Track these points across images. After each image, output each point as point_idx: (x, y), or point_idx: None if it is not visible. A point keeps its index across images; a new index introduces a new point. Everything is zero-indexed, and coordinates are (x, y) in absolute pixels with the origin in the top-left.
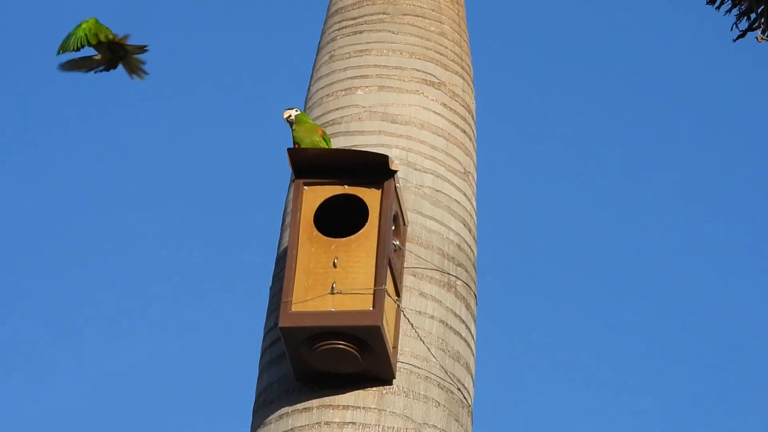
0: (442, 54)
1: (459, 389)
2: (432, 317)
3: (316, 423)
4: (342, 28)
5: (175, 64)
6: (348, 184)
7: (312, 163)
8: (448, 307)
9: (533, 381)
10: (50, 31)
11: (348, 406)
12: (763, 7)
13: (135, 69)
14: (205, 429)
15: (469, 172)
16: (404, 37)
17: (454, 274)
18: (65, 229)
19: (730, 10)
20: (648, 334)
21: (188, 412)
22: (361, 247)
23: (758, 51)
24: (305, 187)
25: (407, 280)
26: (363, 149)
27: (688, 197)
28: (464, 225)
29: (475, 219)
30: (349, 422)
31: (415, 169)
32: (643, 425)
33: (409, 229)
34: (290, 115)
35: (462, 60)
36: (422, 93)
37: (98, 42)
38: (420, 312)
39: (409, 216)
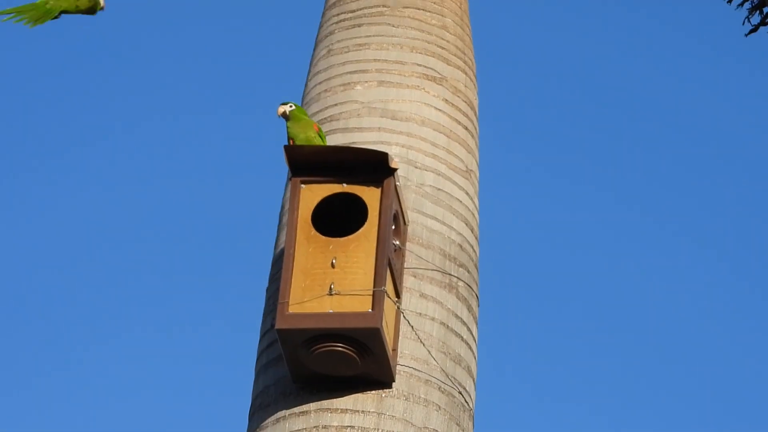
0: (443, 48)
1: (460, 393)
2: (433, 319)
3: (314, 427)
4: (340, 21)
5: (170, 59)
6: (347, 183)
7: (310, 161)
8: (449, 308)
9: (536, 384)
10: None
11: (346, 409)
12: None
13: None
14: None
15: (471, 170)
16: (405, 31)
17: (456, 275)
18: (65, 229)
19: (742, 4)
20: (651, 336)
21: (184, 416)
22: (360, 247)
23: None
24: (303, 185)
25: (407, 281)
26: (362, 146)
27: (693, 194)
28: (466, 224)
29: (478, 218)
30: (348, 426)
31: (416, 167)
32: (645, 428)
33: (409, 229)
34: (285, 111)
35: (464, 54)
36: (423, 88)
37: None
38: (420, 314)
39: (410, 215)
